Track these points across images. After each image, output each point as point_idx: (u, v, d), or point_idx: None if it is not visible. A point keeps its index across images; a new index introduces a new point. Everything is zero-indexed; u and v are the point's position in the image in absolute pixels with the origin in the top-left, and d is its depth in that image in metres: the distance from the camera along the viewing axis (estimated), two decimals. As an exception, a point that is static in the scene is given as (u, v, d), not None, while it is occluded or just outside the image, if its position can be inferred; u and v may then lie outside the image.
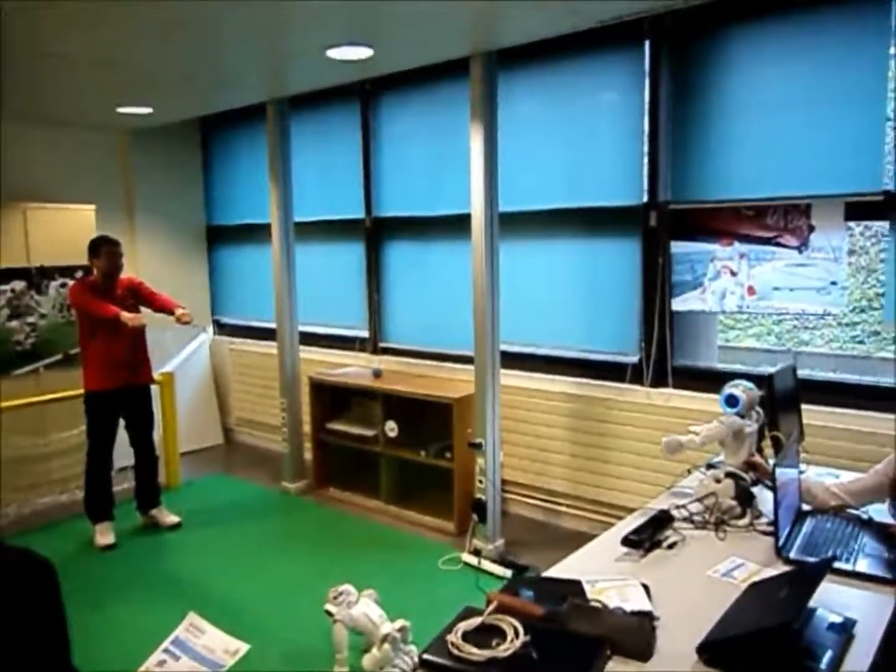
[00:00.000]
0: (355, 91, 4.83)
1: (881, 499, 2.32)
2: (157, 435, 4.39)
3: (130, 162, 5.60)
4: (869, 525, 2.22)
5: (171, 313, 3.97)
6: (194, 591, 3.47)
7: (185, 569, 3.74)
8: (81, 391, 3.99)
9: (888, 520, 2.23)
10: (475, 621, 1.60)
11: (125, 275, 4.09)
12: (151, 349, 4.20)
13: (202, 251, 6.18)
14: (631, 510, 2.63)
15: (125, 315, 3.72)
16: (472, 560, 3.65)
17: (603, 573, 1.91)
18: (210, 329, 6.22)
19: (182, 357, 5.80)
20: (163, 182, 5.81)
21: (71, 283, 4.43)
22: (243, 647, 1.34)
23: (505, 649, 1.50)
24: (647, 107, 3.65)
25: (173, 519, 4.27)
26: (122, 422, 4.10)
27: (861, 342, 5.83)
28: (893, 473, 2.26)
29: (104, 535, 4.00)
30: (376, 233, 4.95)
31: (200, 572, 3.68)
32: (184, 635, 1.28)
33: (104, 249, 3.90)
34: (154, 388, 4.39)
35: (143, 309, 4.05)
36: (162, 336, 5.34)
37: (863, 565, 1.96)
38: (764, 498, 2.40)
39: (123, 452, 4.21)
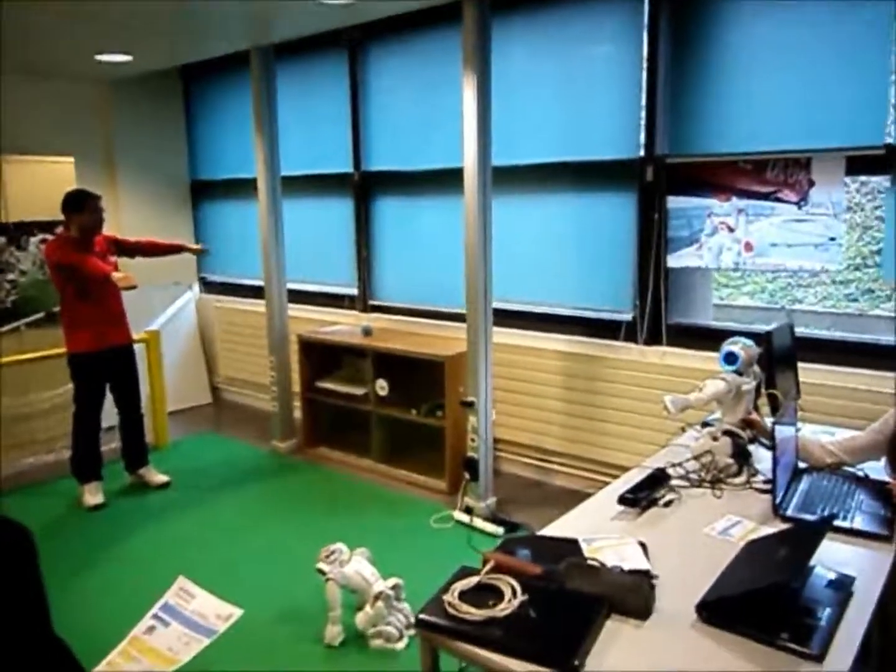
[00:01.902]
0: (343, 40, 4.66)
1: (877, 456, 2.30)
2: (143, 394, 4.33)
3: (111, 113, 5.43)
4: (865, 482, 2.21)
5: (174, 250, 4.12)
6: (184, 551, 3.45)
7: (174, 528, 3.72)
8: (64, 350, 3.90)
9: (884, 477, 2.22)
10: (472, 581, 1.57)
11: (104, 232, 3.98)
12: (137, 308, 4.11)
13: (186, 206, 6.04)
14: (624, 469, 2.62)
15: (116, 275, 3.61)
16: (464, 518, 3.65)
17: (599, 532, 1.89)
18: (196, 287, 6.12)
19: (167, 315, 5.72)
20: (144, 135, 5.65)
21: (51, 238, 4.31)
22: (236, 612, 1.31)
23: (503, 609, 1.47)
24: (645, 59, 3.54)
25: (162, 478, 4.24)
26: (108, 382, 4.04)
27: (855, 300, 5.81)
28: (890, 431, 2.25)
29: (93, 495, 3.97)
30: (365, 187, 4.84)
31: (190, 532, 3.67)
32: (173, 600, 1.24)
33: (88, 204, 3.77)
34: (139, 347, 4.32)
35: (127, 261, 3.97)
36: (146, 294, 5.25)
37: (860, 522, 1.95)
38: (760, 456, 2.39)
39: (109, 412, 4.15)
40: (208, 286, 6.15)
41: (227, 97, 5.56)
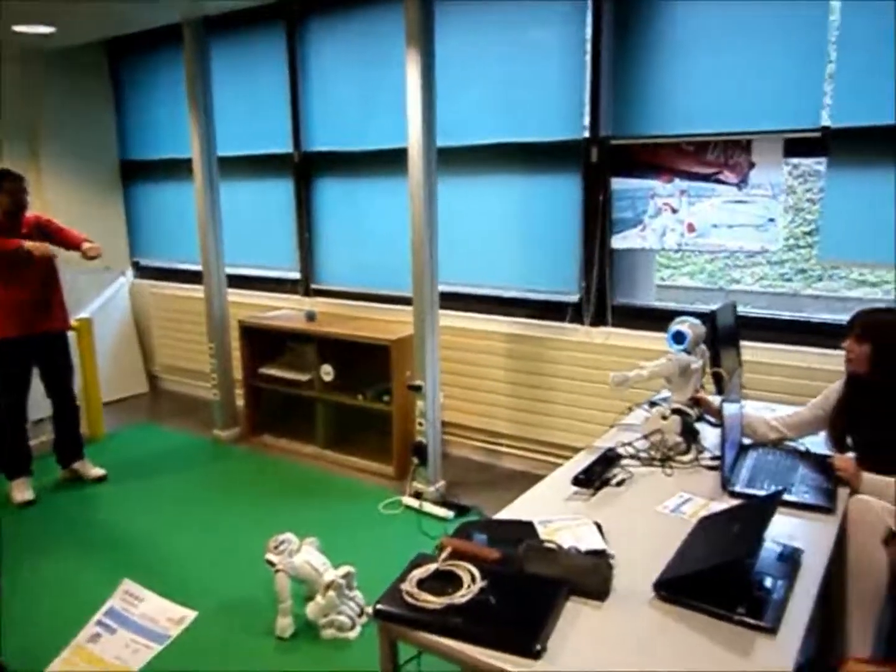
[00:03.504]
0: (281, 14, 4.51)
1: (817, 431, 2.38)
2: (77, 384, 4.14)
3: (34, 90, 5.13)
4: (807, 457, 2.28)
5: (78, 248, 3.68)
6: (124, 548, 3.32)
7: (113, 524, 3.57)
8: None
9: (825, 451, 2.29)
10: (429, 568, 1.55)
11: (31, 212, 3.76)
12: (66, 295, 3.90)
13: (117, 188, 5.78)
14: (573, 449, 2.63)
15: (28, 244, 3.45)
16: (414, 503, 3.62)
17: (554, 513, 1.89)
18: (129, 272, 5.88)
19: (100, 302, 5.48)
20: (70, 112, 5.36)
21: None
22: (190, 615, 1.23)
23: (462, 595, 1.45)
24: (589, 41, 3.54)
25: (98, 472, 4.06)
26: (37, 371, 3.84)
27: (789, 280, 6.01)
28: (830, 406, 2.32)
29: (21, 491, 3.77)
30: (306, 168, 4.72)
31: (130, 527, 3.53)
32: (119, 605, 1.16)
33: (5, 185, 3.55)
34: (71, 335, 4.11)
35: (55, 248, 3.75)
36: (76, 280, 5.02)
37: (804, 496, 2.01)
38: (706, 433, 2.44)
39: (41, 403, 3.95)
40: (142, 271, 5.92)
41: (160, 73, 5.33)
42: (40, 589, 2.99)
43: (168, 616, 1.21)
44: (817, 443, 2.37)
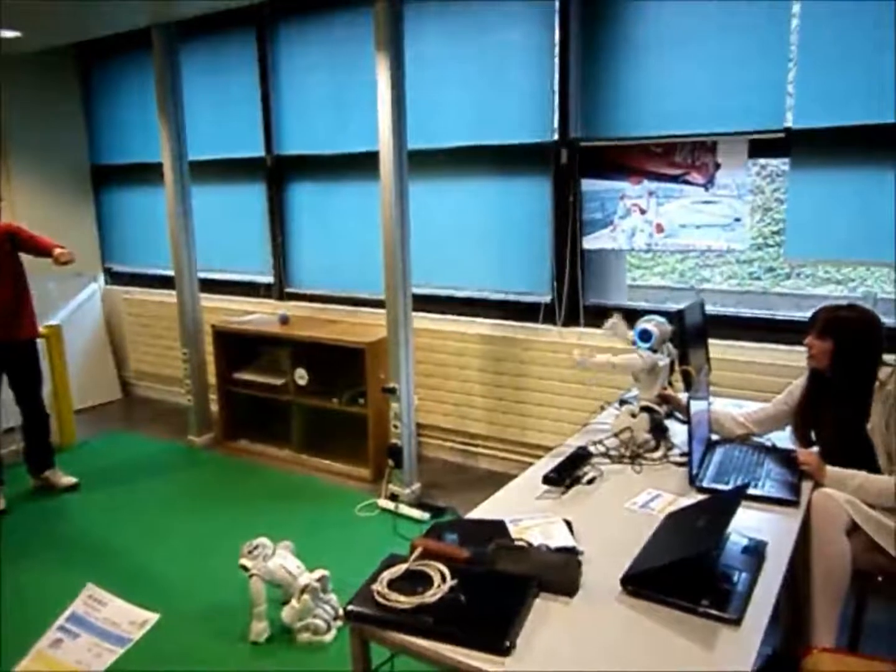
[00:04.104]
0: (251, 18, 4.50)
1: (783, 426, 2.43)
2: (47, 392, 4.08)
3: (0, 94, 5.07)
4: (773, 451, 2.32)
5: (50, 255, 3.64)
6: (97, 557, 3.28)
7: (85, 532, 3.53)
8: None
9: (790, 446, 2.34)
10: (400, 569, 1.56)
11: (1, 220, 3.71)
12: (35, 301, 3.85)
13: (87, 193, 5.72)
14: (547, 448, 2.65)
15: (57, 250, 3.56)
16: (390, 505, 3.63)
17: (525, 512, 1.91)
18: (101, 278, 5.82)
19: (70, 308, 5.41)
20: (38, 117, 5.29)
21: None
22: (152, 618, 1.23)
23: (432, 595, 1.46)
24: (557, 44, 3.57)
25: (69, 480, 4.02)
26: (6, 379, 3.79)
27: (758, 278, 6.10)
28: (794, 402, 2.37)
29: (-8, 501, 3.73)
30: (278, 172, 4.71)
31: (102, 535, 3.49)
32: (82, 609, 1.16)
33: None
34: (40, 343, 4.06)
35: (24, 256, 3.72)
36: (47, 286, 4.96)
37: (769, 489, 2.04)
38: (675, 430, 2.47)
39: (11, 412, 3.90)
40: (114, 277, 5.86)
41: (130, 78, 5.28)
42: (10, 597, 2.95)
43: (130, 619, 1.20)
44: (783, 438, 2.42)
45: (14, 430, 4.10)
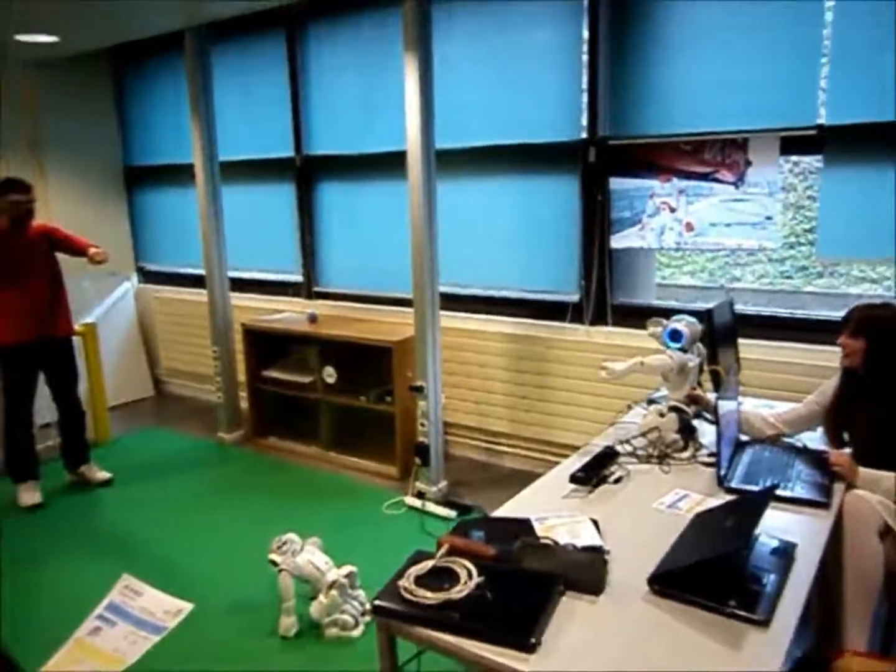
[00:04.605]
0: (281, 20, 4.55)
1: (814, 427, 2.40)
2: (83, 389, 4.17)
3: (37, 97, 5.18)
4: (804, 452, 2.29)
5: (85, 254, 3.73)
6: (131, 549, 3.35)
7: (119, 526, 3.61)
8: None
9: (821, 447, 2.31)
10: (427, 565, 1.57)
11: (38, 221, 3.80)
12: (71, 300, 3.94)
13: (121, 194, 5.83)
14: (572, 448, 2.66)
15: (92, 250, 3.67)
16: (416, 503, 3.65)
17: (551, 511, 1.91)
18: (134, 277, 5.93)
19: (105, 307, 5.52)
20: (74, 120, 5.41)
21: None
22: (186, 607, 1.27)
23: (459, 591, 1.47)
24: (585, 41, 3.56)
25: (103, 475, 4.10)
26: (43, 377, 3.88)
27: (790, 277, 6.01)
28: (826, 402, 2.34)
29: (29, 495, 3.81)
30: (307, 172, 4.75)
31: (136, 529, 3.56)
32: (119, 599, 1.19)
33: (12, 195, 3.59)
34: (76, 340, 4.16)
35: (60, 256, 3.81)
36: (82, 285, 5.07)
37: (800, 491, 2.02)
38: (704, 430, 2.45)
39: (48, 408, 3.99)
40: (147, 276, 5.96)
41: (162, 80, 5.37)
42: (48, 588, 3.03)
43: (165, 609, 1.24)
44: (815, 439, 2.39)
45: (50, 426, 4.20)
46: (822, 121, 3.03)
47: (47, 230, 3.81)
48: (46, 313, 3.77)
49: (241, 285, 5.05)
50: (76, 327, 4.15)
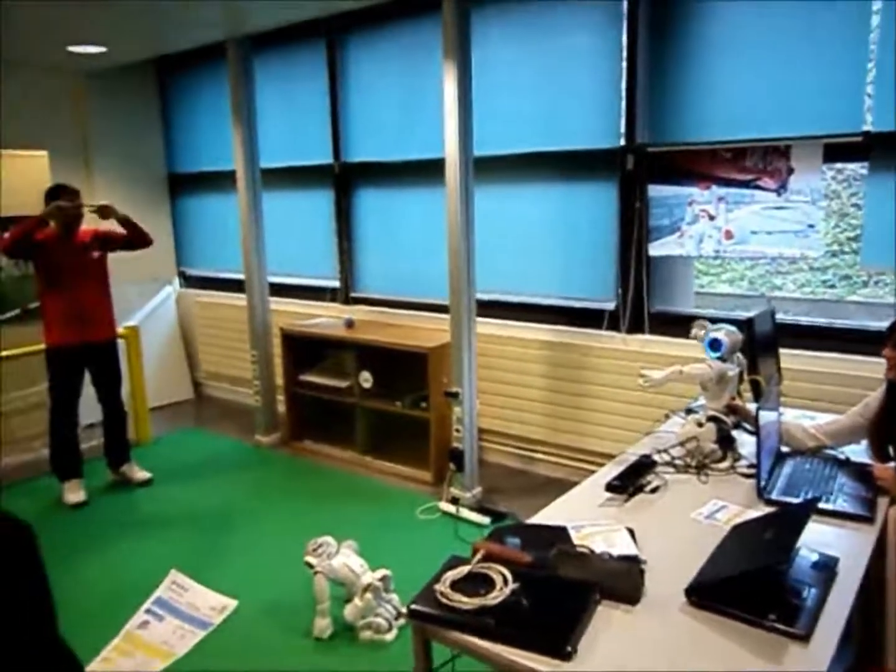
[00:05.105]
0: (321, 30, 4.62)
1: (858, 439, 2.34)
2: (125, 390, 4.28)
3: (85, 106, 5.34)
4: (847, 465, 2.25)
5: (123, 238, 3.92)
6: (170, 547, 3.41)
7: (159, 525, 3.68)
8: (40, 347, 3.85)
9: (865, 460, 2.26)
10: (462, 570, 1.58)
11: (88, 226, 3.91)
12: (115, 304, 4.05)
13: (164, 200, 5.97)
14: (607, 456, 2.64)
15: (63, 204, 3.67)
16: (451, 508, 3.66)
17: (587, 519, 1.91)
18: (175, 281, 6.06)
19: (147, 310, 5.66)
20: (120, 127, 5.57)
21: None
22: (231, 604, 1.30)
23: (494, 597, 1.48)
24: (624, 48, 3.55)
25: (144, 475, 4.19)
26: (88, 377, 3.99)
27: (832, 286, 5.88)
28: (871, 415, 2.28)
29: (74, 493, 3.92)
30: (346, 179, 4.81)
31: (175, 528, 3.63)
32: (166, 594, 1.23)
33: (62, 199, 3.71)
34: (120, 343, 4.26)
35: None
36: (124, 290, 5.19)
37: (842, 504, 1.98)
38: (743, 441, 2.42)
39: (92, 409, 4.10)
40: (188, 281, 6.09)
41: (205, 89, 5.50)
42: (93, 583, 3.09)
43: (211, 605, 1.26)
44: (858, 451, 2.34)
45: (94, 427, 4.31)
46: (868, 127, 2.97)
47: (99, 234, 3.93)
48: (92, 317, 3.87)
49: (279, 290, 5.12)
50: (119, 330, 4.25)
